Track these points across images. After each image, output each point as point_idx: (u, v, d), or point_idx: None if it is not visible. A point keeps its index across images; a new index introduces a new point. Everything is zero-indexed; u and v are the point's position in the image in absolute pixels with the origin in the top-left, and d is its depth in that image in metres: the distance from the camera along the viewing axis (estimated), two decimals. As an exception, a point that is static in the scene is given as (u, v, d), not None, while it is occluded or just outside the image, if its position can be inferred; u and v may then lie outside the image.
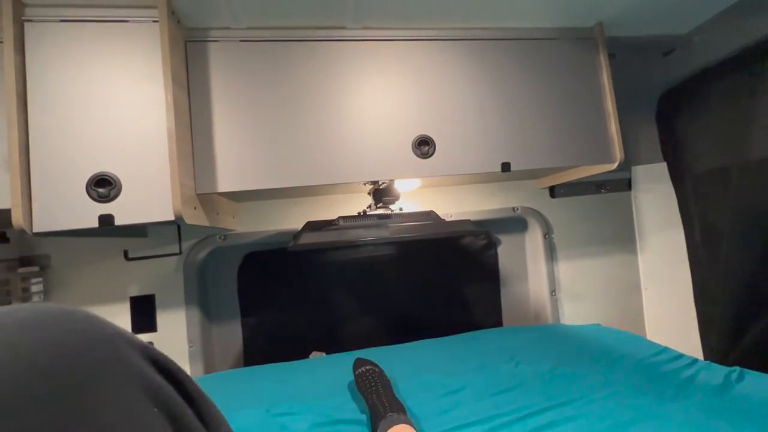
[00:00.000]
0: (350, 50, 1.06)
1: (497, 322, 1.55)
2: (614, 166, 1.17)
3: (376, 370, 0.99)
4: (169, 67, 0.89)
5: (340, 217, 1.09)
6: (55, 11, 0.88)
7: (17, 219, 0.81)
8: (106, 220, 0.86)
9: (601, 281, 1.58)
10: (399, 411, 0.81)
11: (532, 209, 1.54)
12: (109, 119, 0.89)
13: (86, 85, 0.88)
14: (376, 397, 0.86)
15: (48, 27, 0.87)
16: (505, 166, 1.09)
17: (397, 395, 0.91)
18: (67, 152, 0.86)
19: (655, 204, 1.59)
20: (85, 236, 1.12)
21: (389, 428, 0.74)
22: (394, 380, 1.02)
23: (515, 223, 1.57)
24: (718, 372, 0.95)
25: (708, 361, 1.03)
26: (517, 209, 1.52)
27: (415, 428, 0.77)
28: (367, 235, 1.08)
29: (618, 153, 1.16)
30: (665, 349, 1.12)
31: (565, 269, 1.56)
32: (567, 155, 1.15)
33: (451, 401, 0.94)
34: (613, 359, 1.09)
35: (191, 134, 0.98)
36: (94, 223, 0.85)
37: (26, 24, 0.86)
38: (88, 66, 0.89)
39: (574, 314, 1.56)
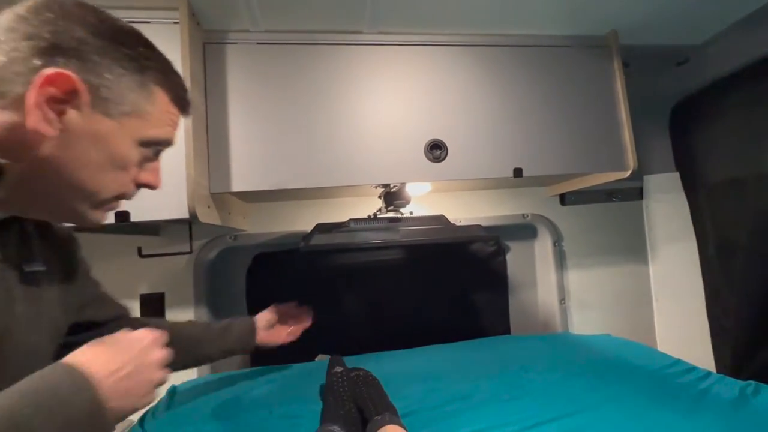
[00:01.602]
0: (365, 54, 1.08)
1: (505, 330, 1.54)
2: (627, 173, 1.17)
3: (360, 374, 0.97)
4: (188, 68, 0.91)
5: (350, 219, 1.09)
6: (80, 12, 0.90)
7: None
8: (122, 216, 0.87)
9: (612, 291, 1.56)
10: (385, 412, 0.79)
11: (543, 216, 1.53)
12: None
13: (107, 83, 0.90)
14: (361, 401, 0.85)
15: (72, 27, 0.90)
16: (518, 172, 1.09)
17: (400, 398, 0.90)
18: (87, 149, 0.88)
19: (667, 214, 1.57)
20: (99, 233, 1.14)
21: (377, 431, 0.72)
22: (400, 385, 1.01)
23: (525, 230, 1.56)
24: (733, 386, 0.93)
25: (722, 375, 1.01)
26: (527, 216, 1.51)
27: (404, 428, 0.75)
28: (377, 237, 1.08)
29: (631, 161, 1.16)
30: (678, 362, 1.10)
31: (574, 278, 1.54)
32: (580, 162, 1.14)
33: (457, 407, 0.93)
34: (624, 370, 1.07)
35: (207, 134, 0.99)
36: (111, 220, 0.86)
37: (52, 24, 0.89)
38: (110, 65, 0.91)
39: (583, 324, 1.54)
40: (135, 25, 0.90)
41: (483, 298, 1.53)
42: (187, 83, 0.89)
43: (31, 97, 0.41)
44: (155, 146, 0.52)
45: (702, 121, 1.46)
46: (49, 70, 0.41)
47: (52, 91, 0.41)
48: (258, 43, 1.04)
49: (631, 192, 1.59)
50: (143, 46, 0.50)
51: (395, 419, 0.78)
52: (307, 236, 1.08)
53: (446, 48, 1.12)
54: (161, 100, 0.51)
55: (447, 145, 1.07)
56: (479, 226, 1.20)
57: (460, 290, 1.52)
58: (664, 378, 1.01)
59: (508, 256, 1.56)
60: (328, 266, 1.45)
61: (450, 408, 0.93)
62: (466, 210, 1.47)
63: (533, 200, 1.54)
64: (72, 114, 0.43)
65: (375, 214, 1.19)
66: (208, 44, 1.02)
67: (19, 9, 0.43)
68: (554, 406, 0.89)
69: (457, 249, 1.51)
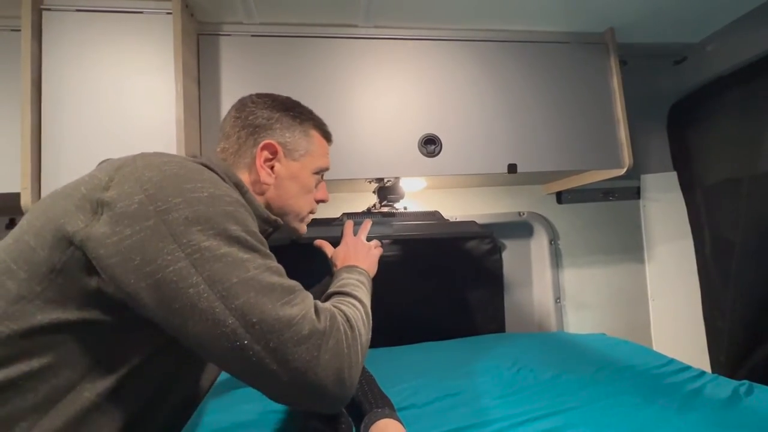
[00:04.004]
0: (360, 48, 1.07)
1: (500, 328, 1.53)
2: (622, 171, 1.16)
3: None
4: (181, 59, 0.91)
5: (344, 213, 1.09)
6: (73, 1, 0.90)
7: (26, 203, 0.83)
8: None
9: (607, 290, 1.56)
10: (384, 406, 0.79)
11: (539, 215, 1.52)
12: (121, 107, 0.90)
13: (99, 73, 0.90)
14: (361, 394, 0.85)
15: (65, 16, 0.89)
16: (512, 168, 1.09)
17: (393, 394, 0.89)
18: (78, 138, 0.87)
19: (664, 213, 1.56)
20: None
21: (373, 423, 0.72)
22: (393, 381, 1.01)
23: (521, 228, 1.55)
24: (727, 385, 0.92)
25: (716, 374, 1.00)
26: (523, 214, 1.51)
27: (401, 423, 0.75)
28: (371, 232, 1.07)
29: (627, 159, 1.15)
30: (672, 361, 1.09)
31: (570, 277, 1.54)
32: (575, 159, 1.14)
33: (449, 403, 0.92)
34: (617, 369, 1.06)
35: (200, 125, 0.99)
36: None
37: (44, 12, 0.89)
38: (102, 55, 0.90)
39: (578, 323, 1.53)
40: (128, 15, 0.93)
41: (478, 296, 1.52)
42: (180, 75, 0.91)
43: (258, 162, 0.64)
44: (321, 172, 0.73)
45: (699, 120, 1.46)
46: (262, 143, 0.64)
47: (265, 155, 0.64)
48: (252, 36, 1.03)
49: (628, 191, 1.59)
50: (298, 106, 0.71)
51: (393, 414, 0.78)
52: None
53: (442, 43, 1.11)
54: (317, 138, 0.72)
55: (441, 140, 1.06)
56: (474, 222, 1.19)
57: (455, 288, 1.51)
58: (656, 377, 1.00)
59: (504, 254, 1.55)
60: (321, 263, 1.44)
61: (442, 404, 0.92)
62: (461, 207, 1.47)
63: (529, 198, 1.53)
64: (277, 166, 0.66)
65: (369, 209, 1.18)
66: (202, 36, 1.01)
67: (232, 112, 0.68)
68: (545, 403, 0.88)
69: (452, 246, 1.50)
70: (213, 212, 0.44)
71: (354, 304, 0.57)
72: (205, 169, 0.49)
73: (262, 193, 0.66)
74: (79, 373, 0.45)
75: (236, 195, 0.50)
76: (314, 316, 0.45)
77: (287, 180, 0.67)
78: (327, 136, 0.75)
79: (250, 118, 0.65)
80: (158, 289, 0.41)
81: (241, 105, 0.68)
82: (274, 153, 0.65)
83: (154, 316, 0.43)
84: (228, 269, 0.42)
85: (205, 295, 0.41)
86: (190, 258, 0.41)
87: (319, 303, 0.49)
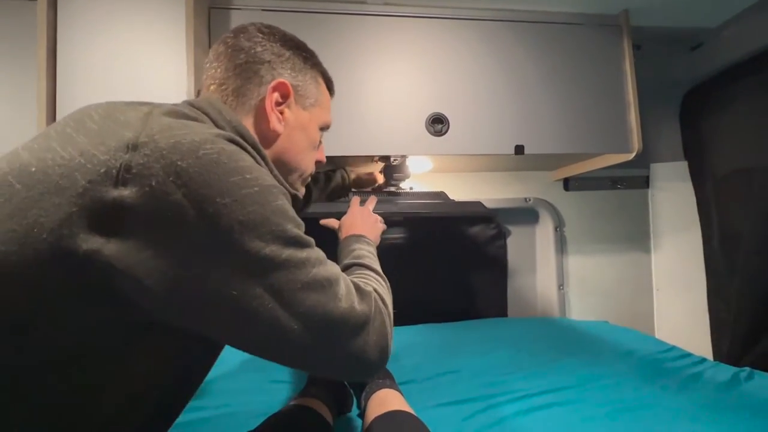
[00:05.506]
0: (370, 25, 1.07)
1: (502, 313, 1.54)
2: (631, 156, 1.15)
3: None
4: (192, 32, 0.91)
5: (350, 190, 1.10)
6: (88, -29, 0.91)
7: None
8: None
9: (612, 279, 1.55)
10: (385, 378, 0.81)
11: (545, 201, 1.52)
12: (133, 78, 0.91)
13: (113, 43, 0.91)
14: None
15: (80, -15, 0.90)
16: (519, 149, 1.08)
17: (394, 370, 0.91)
18: (91, 107, 0.89)
19: (673, 203, 1.55)
20: None
21: (374, 393, 0.74)
22: (394, 358, 1.02)
23: (527, 214, 1.55)
24: (727, 371, 0.93)
25: (717, 362, 1.00)
26: (530, 200, 1.50)
27: (401, 393, 0.77)
28: (376, 209, 1.08)
29: (636, 143, 1.14)
30: (673, 348, 1.09)
31: (575, 264, 1.54)
32: (583, 142, 1.13)
33: (448, 380, 0.94)
34: (617, 353, 1.07)
35: (210, 99, 1.00)
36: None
37: (60, -19, 0.90)
38: (116, 25, 0.92)
39: (581, 310, 1.53)
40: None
41: (481, 281, 1.53)
42: (191, 47, 0.92)
43: (268, 104, 0.53)
44: (325, 129, 0.63)
45: (713, 109, 1.43)
46: (274, 82, 0.53)
47: (275, 96, 0.53)
48: (263, 10, 1.03)
49: (637, 180, 1.57)
50: (307, 47, 0.60)
51: (393, 385, 0.80)
52: (304, 207, 1.09)
53: (452, 21, 1.10)
54: (324, 89, 0.62)
55: (449, 120, 1.06)
56: (480, 203, 1.19)
57: (459, 272, 1.52)
58: (657, 361, 1.01)
59: (509, 240, 1.56)
60: (326, 243, 1.45)
61: (442, 380, 0.94)
62: (467, 191, 1.47)
63: (536, 184, 1.53)
64: (287, 112, 0.55)
65: (375, 188, 1.19)
66: (213, 9, 1.02)
67: (231, 41, 0.54)
68: (544, 381, 0.89)
69: (457, 230, 1.50)
70: (268, 212, 0.39)
71: (379, 281, 0.56)
72: (238, 149, 0.41)
73: (268, 146, 0.55)
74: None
75: (272, 178, 0.42)
76: (360, 304, 0.44)
77: (297, 130, 0.57)
78: (332, 88, 0.65)
79: (258, 49, 0.54)
80: (210, 306, 0.37)
81: (243, 33, 0.55)
82: (286, 96, 0.54)
83: (194, 328, 0.39)
84: (291, 276, 0.39)
85: (270, 305, 0.38)
86: (249, 269, 0.37)
87: (360, 285, 0.48)
